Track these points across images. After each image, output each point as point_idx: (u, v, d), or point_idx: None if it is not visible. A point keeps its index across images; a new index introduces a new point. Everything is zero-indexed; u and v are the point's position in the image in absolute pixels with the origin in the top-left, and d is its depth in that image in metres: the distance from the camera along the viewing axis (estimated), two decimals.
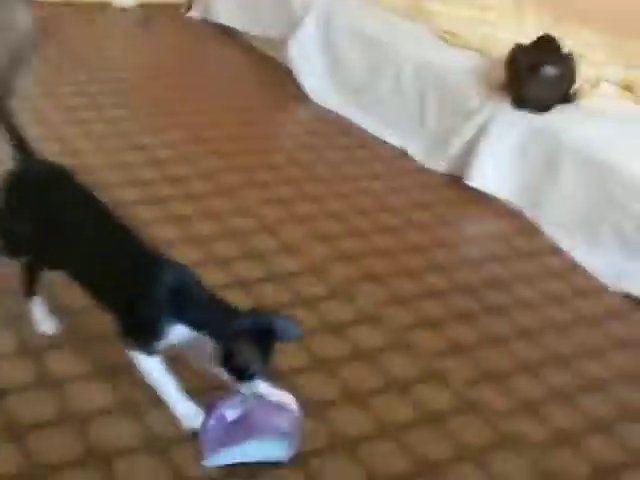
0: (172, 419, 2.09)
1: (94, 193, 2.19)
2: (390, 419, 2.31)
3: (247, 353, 1.97)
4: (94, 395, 2.20)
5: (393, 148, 3.90)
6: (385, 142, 3.93)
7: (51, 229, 2.15)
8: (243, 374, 2.00)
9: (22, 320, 2.35)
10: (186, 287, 2.03)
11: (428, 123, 3.88)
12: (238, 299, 2.11)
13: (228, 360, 1.98)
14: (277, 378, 2.34)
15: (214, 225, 3.03)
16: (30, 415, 2.10)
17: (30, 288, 2.32)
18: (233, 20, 4.84)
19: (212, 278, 2.64)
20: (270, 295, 2.71)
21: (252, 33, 4.73)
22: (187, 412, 2.09)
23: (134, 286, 2.04)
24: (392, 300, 2.82)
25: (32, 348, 2.30)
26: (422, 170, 3.76)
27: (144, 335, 2.04)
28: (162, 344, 2.04)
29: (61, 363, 2.27)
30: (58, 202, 2.17)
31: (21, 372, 2.22)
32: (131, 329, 2.06)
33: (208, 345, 2.00)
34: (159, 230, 2.91)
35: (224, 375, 2.02)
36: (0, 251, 2.26)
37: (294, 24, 4.36)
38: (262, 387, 2.03)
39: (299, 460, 2.12)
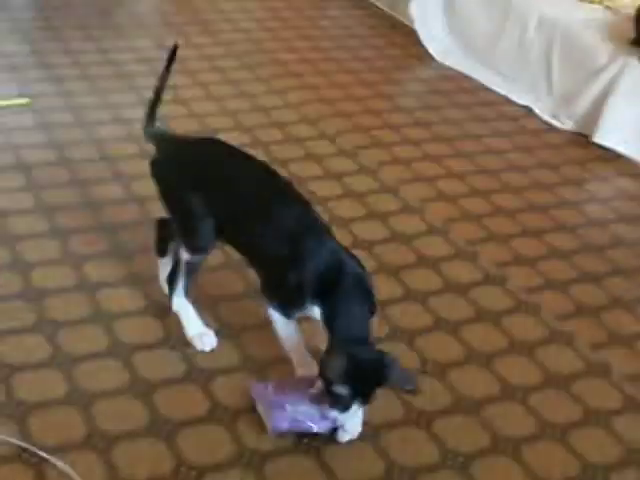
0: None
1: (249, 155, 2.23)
2: (515, 381, 2.29)
3: (344, 388, 1.91)
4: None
5: (518, 106, 3.83)
6: (509, 100, 3.87)
7: (222, 200, 2.13)
8: (335, 403, 1.94)
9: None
10: (338, 275, 1.99)
11: (554, 80, 3.80)
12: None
13: (328, 384, 1.94)
14: (400, 338, 2.36)
15: (335, 186, 3.04)
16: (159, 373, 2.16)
17: (160, 248, 2.36)
18: None
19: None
20: (392, 256, 2.71)
21: None
22: (306, 373, 2.10)
23: (291, 257, 2.02)
24: (515, 261, 2.78)
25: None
26: (548, 128, 3.69)
27: (286, 302, 2.06)
28: (298, 314, 2.06)
29: None
30: (225, 172, 2.16)
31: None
32: (276, 292, 2.07)
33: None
34: None
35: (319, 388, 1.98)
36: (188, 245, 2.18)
37: None
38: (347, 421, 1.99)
39: (422, 420, 2.12)
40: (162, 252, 2.34)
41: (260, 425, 2.05)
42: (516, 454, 2.07)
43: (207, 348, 2.23)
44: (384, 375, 1.93)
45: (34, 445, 1.91)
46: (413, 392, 2.01)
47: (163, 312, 2.34)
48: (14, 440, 1.92)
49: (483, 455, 2.06)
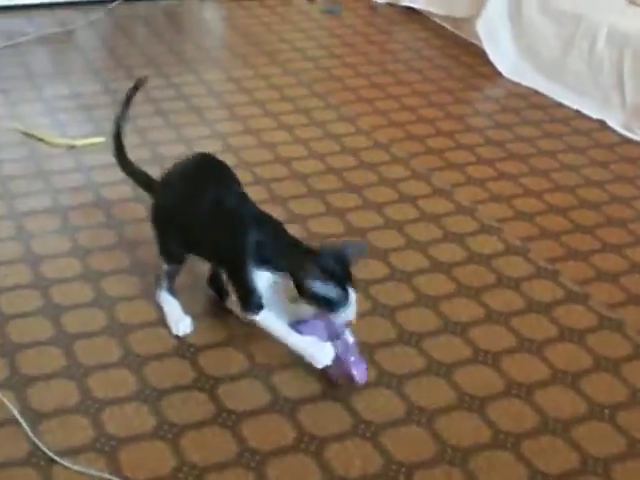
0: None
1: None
2: (601, 400, 2.26)
3: (326, 286, 2.12)
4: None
5: (590, 120, 3.79)
6: (582, 115, 3.83)
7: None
8: (330, 305, 2.15)
9: None
10: (268, 237, 2.20)
11: (627, 92, 3.75)
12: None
13: (313, 295, 2.14)
14: (484, 361, 2.35)
15: (410, 209, 3.04)
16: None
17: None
18: (420, 2, 4.83)
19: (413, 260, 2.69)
20: (471, 277, 2.70)
21: (439, 13, 4.71)
22: (317, 350, 2.19)
23: (228, 247, 2.23)
24: (597, 277, 2.75)
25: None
26: (623, 142, 3.64)
27: (244, 296, 2.22)
28: (259, 296, 2.20)
29: None
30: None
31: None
32: (238, 295, 2.25)
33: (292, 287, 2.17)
34: (359, 217, 2.97)
35: (313, 310, 2.19)
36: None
37: (481, 1, 4.30)
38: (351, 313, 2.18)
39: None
40: None
41: (349, 457, 2.05)
42: (606, 474, 2.04)
43: (181, 333, 2.40)
44: (346, 254, 2.19)
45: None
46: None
47: (247, 342, 2.37)
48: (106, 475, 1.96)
49: (571, 476, 2.04)
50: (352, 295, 2.16)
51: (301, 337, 2.20)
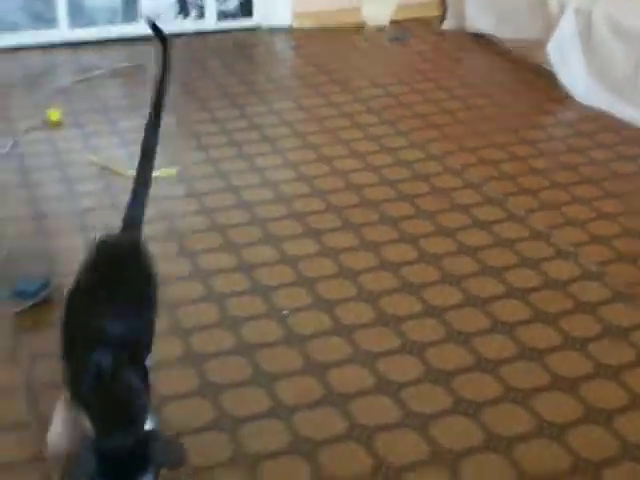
0: None
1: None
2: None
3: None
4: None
5: None
6: None
7: None
8: None
9: None
10: None
11: None
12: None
13: None
14: (561, 387, 2.32)
15: (484, 235, 3.02)
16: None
17: None
18: (488, 27, 4.81)
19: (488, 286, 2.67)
20: (548, 304, 2.67)
21: (508, 38, 4.69)
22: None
23: None
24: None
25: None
26: None
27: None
28: None
29: None
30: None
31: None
32: None
33: None
34: (432, 243, 2.97)
35: None
36: None
37: (551, 25, 4.28)
38: None
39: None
40: None
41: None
42: None
43: None
44: (146, 457, 1.68)
45: None
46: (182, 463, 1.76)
47: (322, 371, 2.37)
48: None
49: None
50: None
51: None
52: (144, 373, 1.88)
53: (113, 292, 1.92)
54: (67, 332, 1.92)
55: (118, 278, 1.96)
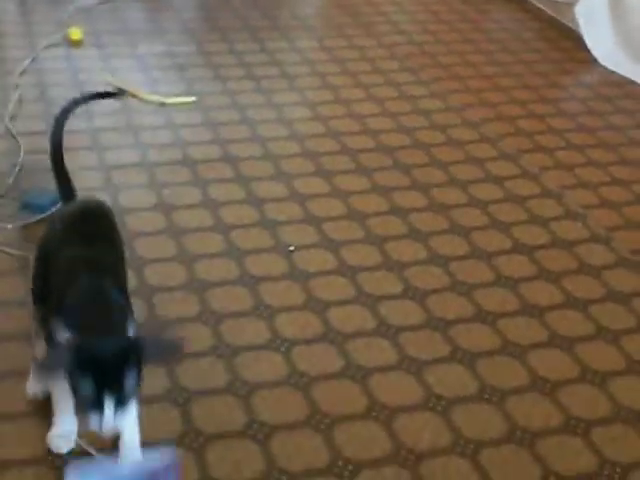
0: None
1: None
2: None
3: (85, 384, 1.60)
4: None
5: None
6: None
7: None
8: (86, 406, 1.62)
9: None
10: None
11: None
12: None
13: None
14: (560, 345, 2.33)
15: (496, 190, 3.01)
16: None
17: None
18: None
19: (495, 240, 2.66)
20: (553, 262, 2.67)
21: None
22: (58, 435, 1.90)
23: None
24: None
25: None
26: None
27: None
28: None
29: None
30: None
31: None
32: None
33: None
34: (443, 193, 2.96)
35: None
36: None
37: None
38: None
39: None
40: None
41: (417, 426, 2.05)
42: None
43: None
44: (130, 358, 1.62)
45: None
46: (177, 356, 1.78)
47: (322, 308, 2.38)
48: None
49: None
50: (107, 409, 1.60)
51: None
52: (127, 298, 1.87)
53: (90, 233, 1.92)
54: (42, 269, 1.94)
55: (92, 224, 1.96)
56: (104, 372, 1.59)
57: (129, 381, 1.62)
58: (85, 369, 1.59)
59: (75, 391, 1.62)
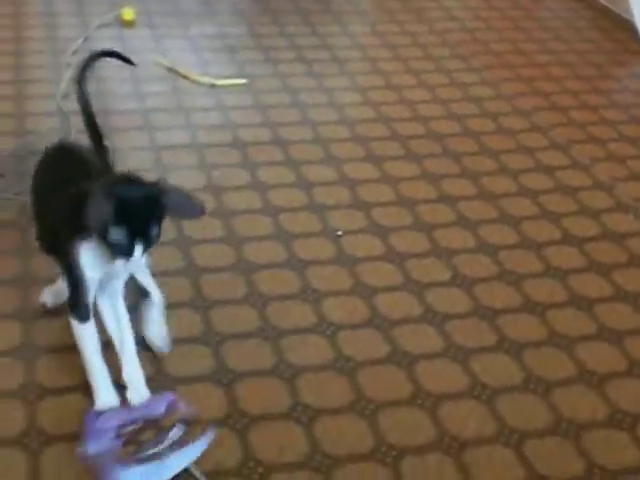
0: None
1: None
2: None
3: (119, 231, 1.77)
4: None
5: None
6: None
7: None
8: (116, 251, 1.80)
9: None
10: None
11: None
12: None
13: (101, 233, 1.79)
14: (608, 338, 2.30)
15: (547, 180, 2.99)
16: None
17: None
18: None
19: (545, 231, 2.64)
20: (603, 255, 2.64)
21: None
22: (103, 392, 1.94)
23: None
24: None
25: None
26: None
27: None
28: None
29: None
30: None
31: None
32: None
33: None
34: (493, 182, 2.94)
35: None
36: None
37: None
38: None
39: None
40: None
41: (462, 414, 2.05)
42: None
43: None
44: (159, 205, 1.79)
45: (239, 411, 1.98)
46: (200, 214, 1.90)
47: (369, 294, 2.38)
48: None
49: None
50: (138, 250, 1.79)
51: (102, 369, 1.95)
52: None
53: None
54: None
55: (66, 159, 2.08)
56: (137, 220, 1.78)
57: (155, 229, 1.80)
58: (121, 216, 1.76)
59: (108, 238, 1.77)
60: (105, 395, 1.93)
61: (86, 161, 2.02)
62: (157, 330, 2.13)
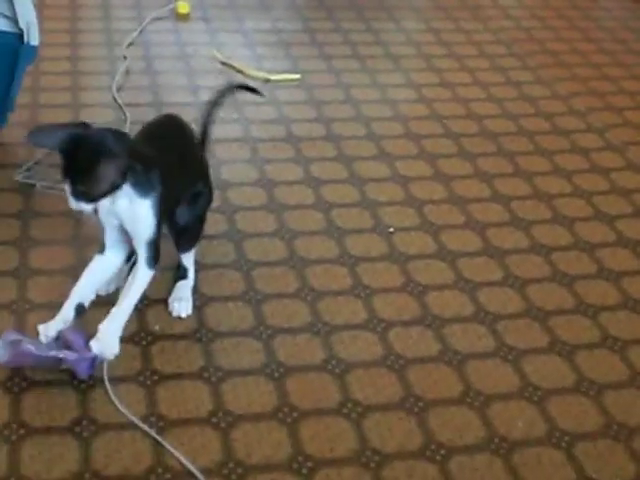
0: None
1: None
2: None
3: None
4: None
5: None
6: None
7: None
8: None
9: None
10: None
11: None
12: None
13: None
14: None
15: (601, 181, 2.96)
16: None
17: None
18: None
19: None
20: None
21: None
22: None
23: None
24: None
25: None
26: None
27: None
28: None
29: None
30: None
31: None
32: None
33: None
34: (547, 182, 2.92)
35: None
36: None
37: None
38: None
39: None
40: None
41: (512, 414, 2.03)
42: None
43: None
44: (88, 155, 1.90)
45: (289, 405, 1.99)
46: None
47: (420, 292, 2.38)
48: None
49: None
50: (74, 198, 1.94)
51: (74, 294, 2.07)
52: None
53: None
54: None
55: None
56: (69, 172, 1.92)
57: (85, 179, 1.91)
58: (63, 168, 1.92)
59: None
60: (60, 316, 2.02)
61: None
62: (182, 302, 2.24)
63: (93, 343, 1.98)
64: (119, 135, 1.99)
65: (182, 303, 2.23)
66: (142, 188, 1.98)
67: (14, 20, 2.69)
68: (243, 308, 2.27)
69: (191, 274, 2.29)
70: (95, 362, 1.99)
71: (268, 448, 1.89)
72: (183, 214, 2.21)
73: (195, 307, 2.25)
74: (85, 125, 2.00)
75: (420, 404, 2.04)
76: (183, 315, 2.22)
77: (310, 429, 1.95)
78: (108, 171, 1.90)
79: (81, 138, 1.92)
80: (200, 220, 2.28)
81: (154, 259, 2.06)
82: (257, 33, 3.80)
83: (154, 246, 2.05)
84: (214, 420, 1.95)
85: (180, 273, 2.30)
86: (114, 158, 1.91)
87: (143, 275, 2.05)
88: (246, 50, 3.64)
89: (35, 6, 2.72)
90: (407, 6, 4.23)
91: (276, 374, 2.08)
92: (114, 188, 1.93)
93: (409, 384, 2.09)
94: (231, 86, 2.50)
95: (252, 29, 3.83)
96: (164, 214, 2.07)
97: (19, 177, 2.68)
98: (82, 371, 1.98)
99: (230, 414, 1.97)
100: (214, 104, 2.41)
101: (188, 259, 2.28)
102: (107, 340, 2.00)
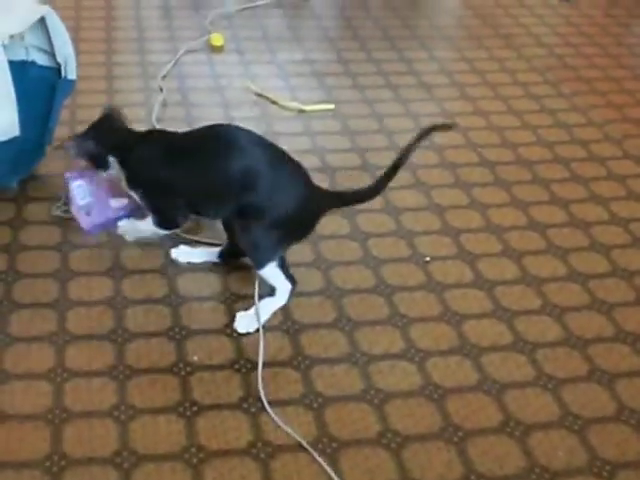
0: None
1: None
2: None
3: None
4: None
5: None
6: None
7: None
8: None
9: None
10: None
11: None
12: None
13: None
14: None
15: (638, 208, 2.94)
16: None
17: None
18: None
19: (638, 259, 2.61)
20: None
21: None
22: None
23: None
24: None
25: None
26: None
27: None
28: None
29: None
30: None
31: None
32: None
33: None
34: (583, 209, 2.90)
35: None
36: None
37: None
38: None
39: None
40: None
41: (553, 448, 2.02)
42: None
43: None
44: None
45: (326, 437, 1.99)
46: None
47: (458, 321, 2.37)
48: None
49: None
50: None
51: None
52: None
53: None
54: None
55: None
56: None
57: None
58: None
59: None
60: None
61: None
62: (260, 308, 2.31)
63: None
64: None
65: (247, 318, 2.31)
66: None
67: (52, 54, 2.73)
68: (281, 338, 2.27)
69: (277, 292, 2.34)
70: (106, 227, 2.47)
71: (309, 479, 1.89)
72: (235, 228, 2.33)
73: (233, 337, 2.26)
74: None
75: (459, 434, 2.03)
76: (240, 330, 2.29)
77: (349, 459, 1.94)
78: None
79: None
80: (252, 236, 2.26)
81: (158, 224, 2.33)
82: (290, 64, 3.82)
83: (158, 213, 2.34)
84: (253, 451, 1.95)
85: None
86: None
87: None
88: (280, 81, 3.66)
89: (72, 40, 2.76)
90: (439, 35, 4.24)
91: (315, 404, 2.08)
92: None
93: (448, 414, 2.08)
94: (427, 129, 2.41)
95: (285, 60, 3.85)
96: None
97: (57, 212, 2.70)
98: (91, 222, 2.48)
99: (269, 444, 1.97)
100: (410, 149, 2.38)
101: (266, 278, 2.32)
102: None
